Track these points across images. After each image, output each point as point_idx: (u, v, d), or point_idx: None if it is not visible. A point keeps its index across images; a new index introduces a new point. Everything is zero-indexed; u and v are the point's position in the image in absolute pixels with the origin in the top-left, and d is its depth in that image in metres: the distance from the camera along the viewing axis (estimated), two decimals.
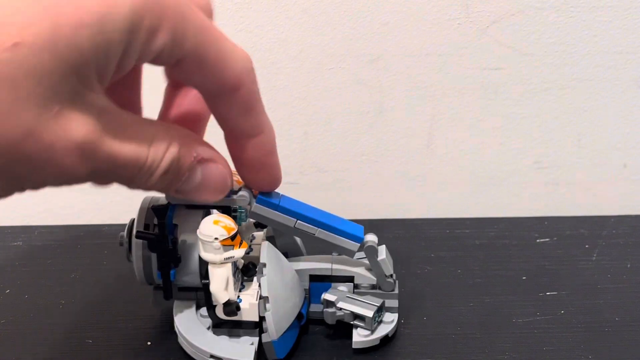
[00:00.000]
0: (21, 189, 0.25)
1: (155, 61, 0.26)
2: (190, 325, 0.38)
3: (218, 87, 0.29)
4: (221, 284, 0.35)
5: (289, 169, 0.55)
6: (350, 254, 0.38)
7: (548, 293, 0.45)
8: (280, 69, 0.51)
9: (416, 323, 0.42)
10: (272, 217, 0.36)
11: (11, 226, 0.51)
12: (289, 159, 0.55)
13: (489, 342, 0.40)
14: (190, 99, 0.34)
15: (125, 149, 0.26)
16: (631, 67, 0.52)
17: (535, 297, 0.44)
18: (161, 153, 0.27)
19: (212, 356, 0.36)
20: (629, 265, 0.47)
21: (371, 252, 0.38)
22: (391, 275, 0.39)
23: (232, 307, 0.36)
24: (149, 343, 0.39)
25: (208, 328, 0.38)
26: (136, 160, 0.26)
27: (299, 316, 0.38)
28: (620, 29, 0.51)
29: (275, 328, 0.36)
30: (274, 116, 0.53)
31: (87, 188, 0.56)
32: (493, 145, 0.55)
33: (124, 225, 0.39)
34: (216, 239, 0.34)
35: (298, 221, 0.37)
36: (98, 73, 0.24)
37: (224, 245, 0.35)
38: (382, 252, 0.39)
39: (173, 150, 0.28)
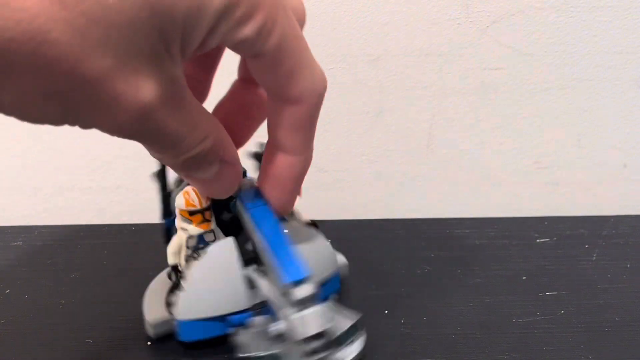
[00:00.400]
0: (73, 122, 0.25)
1: (236, 48, 0.27)
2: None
3: (281, 96, 0.30)
4: (172, 248, 0.38)
5: None
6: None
7: (548, 293, 0.45)
8: None
9: (416, 323, 0.42)
10: (243, 219, 0.35)
11: (11, 226, 0.51)
12: None
13: (489, 342, 0.40)
14: (254, 99, 0.35)
15: (174, 123, 0.26)
16: (631, 67, 0.52)
17: (535, 297, 0.44)
18: (197, 141, 0.28)
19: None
20: (629, 265, 0.47)
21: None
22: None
23: (172, 271, 0.38)
24: (149, 343, 0.39)
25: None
26: (176, 137, 0.27)
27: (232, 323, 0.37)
28: (620, 29, 0.51)
29: (182, 307, 0.36)
30: None
31: (87, 188, 0.57)
32: (493, 145, 0.55)
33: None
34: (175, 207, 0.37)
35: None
36: (183, 41, 0.24)
37: (182, 216, 0.37)
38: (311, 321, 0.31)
39: (207, 143, 0.28)
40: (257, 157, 0.39)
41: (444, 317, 0.42)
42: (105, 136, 0.49)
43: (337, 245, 0.42)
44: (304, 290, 0.31)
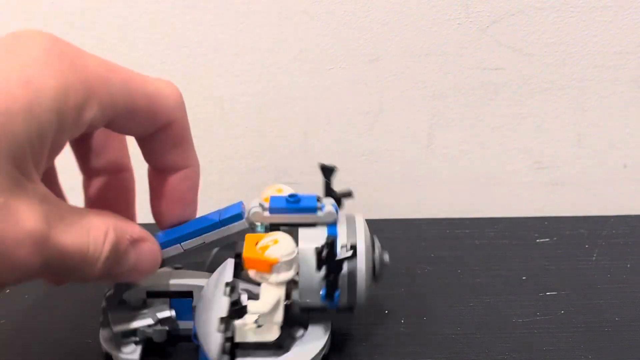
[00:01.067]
0: None
1: (89, 129, 0.27)
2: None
3: (151, 128, 0.30)
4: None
5: (289, 169, 0.55)
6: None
7: (548, 293, 0.45)
8: (280, 68, 0.51)
9: (416, 323, 0.42)
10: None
11: None
12: (288, 159, 0.55)
13: (489, 342, 0.40)
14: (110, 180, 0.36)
15: (70, 237, 0.26)
16: (631, 67, 0.52)
17: (535, 297, 0.44)
18: (101, 240, 0.28)
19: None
20: (629, 265, 0.47)
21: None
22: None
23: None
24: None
25: None
26: (79, 248, 0.26)
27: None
28: (620, 29, 0.51)
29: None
30: (274, 116, 0.53)
31: None
32: (493, 145, 0.55)
33: None
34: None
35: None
36: (34, 158, 0.24)
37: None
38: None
39: (111, 236, 0.28)
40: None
41: (444, 317, 0.42)
42: None
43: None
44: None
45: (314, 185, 0.56)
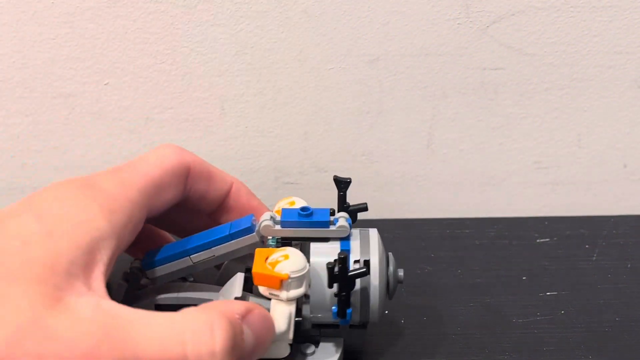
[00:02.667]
0: None
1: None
2: None
3: (182, 187, 0.35)
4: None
5: (289, 169, 0.55)
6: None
7: (548, 293, 0.45)
8: (280, 69, 0.51)
9: (416, 323, 0.42)
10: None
11: None
12: (288, 159, 0.55)
13: (489, 342, 0.40)
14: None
15: (152, 346, 0.24)
16: (631, 67, 0.52)
17: (535, 297, 0.44)
18: (207, 335, 0.25)
19: None
20: (629, 265, 0.47)
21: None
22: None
23: None
24: None
25: None
26: (180, 352, 0.24)
27: None
28: (620, 29, 0.51)
29: None
30: (274, 116, 0.53)
31: None
32: (493, 145, 0.55)
33: None
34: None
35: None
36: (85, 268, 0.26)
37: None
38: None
39: (222, 325, 0.26)
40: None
41: (444, 317, 0.42)
42: (105, 136, 0.50)
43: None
44: (131, 264, 0.36)
45: (313, 185, 0.56)
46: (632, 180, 0.56)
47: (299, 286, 0.33)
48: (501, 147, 0.55)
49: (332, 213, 0.36)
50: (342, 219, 0.36)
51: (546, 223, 0.53)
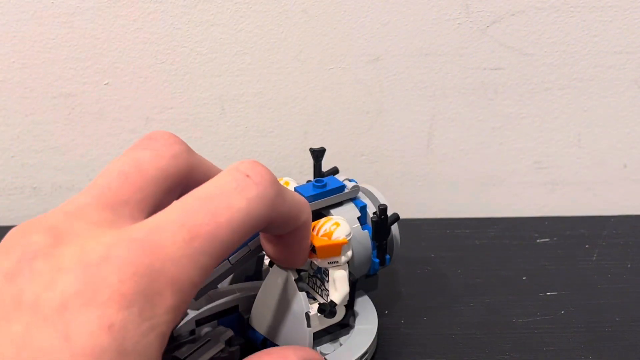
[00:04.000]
0: None
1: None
2: None
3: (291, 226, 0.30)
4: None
5: (289, 169, 0.55)
6: None
7: (548, 293, 0.45)
8: (280, 69, 0.51)
9: (416, 323, 0.42)
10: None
11: (11, 226, 0.51)
12: (289, 159, 0.55)
13: (489, 342, 0.40)
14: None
15: None
16: (631, 67, 0.52)
17: (535, 297, 0.44)
18: None
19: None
20: (629, 265, 0.47)
21: None
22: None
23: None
24: None
25: None
26: None
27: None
28: (620, 29, 0.51)
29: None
30: (274, 116, 0.53)
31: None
32: (493, 145, 0.55)
33: None
34: None
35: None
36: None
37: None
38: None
39: None
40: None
41: (444, 317, 0.42)
42: (105, 136, 0.50)
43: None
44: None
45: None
46: (632, 180, 0.56)
47: (349, 248, 0.35)
48: (501, 147, 0.55)
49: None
50: (347, 181, 0.38)
51: (546, 223, 0.53)
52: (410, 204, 0.57)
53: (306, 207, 0.31)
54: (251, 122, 0.53)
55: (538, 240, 0.51)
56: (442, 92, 0.53)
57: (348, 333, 0.38)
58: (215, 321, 0.36)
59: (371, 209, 0.39)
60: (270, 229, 0.29)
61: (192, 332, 0.35)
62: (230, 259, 0.34)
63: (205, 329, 0.35)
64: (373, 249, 0.39)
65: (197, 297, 0.34)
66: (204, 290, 0.34)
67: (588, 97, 0.53)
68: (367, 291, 0.40)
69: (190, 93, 0.52)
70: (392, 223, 0.38)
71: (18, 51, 0.50)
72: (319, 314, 0.35)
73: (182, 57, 0.50)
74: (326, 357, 0.36)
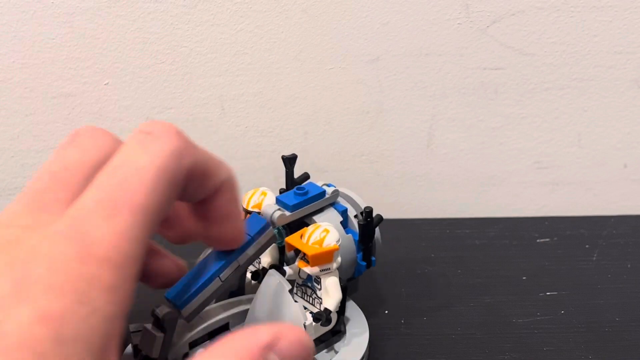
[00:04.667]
0: None
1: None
2: None
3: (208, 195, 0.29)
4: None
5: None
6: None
7: (548, 293, 0.45)
8: (280, 69, 0.51)
9: (416, 323, 0.42)
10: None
11: None
12: None
13: (489, 342, 0.40)
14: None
15: None
16: (631, 67, 0.52)
17: (535, 297, 0.44)
18: None
19: None
20: (629, 265, 0.47)
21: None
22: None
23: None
24: None
25: None
26: None
27: None
28: (620, 29, 0.51)
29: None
30: (274, 116, 0.53)
31: None
32: (493, 145, 0.55)
33: None
34: None
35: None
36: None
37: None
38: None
39: None
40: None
41: (444, 317, 0.42)
42: None
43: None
44: (161, 311, 0.31)
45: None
46: (632, 180, 0.56)
47: (339, 253, 0.35)
48: (501, 147, 0.55)
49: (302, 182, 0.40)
50: (325, 186, 0.39)
51: (546, 223, 0.53)
52: (410, 204, 0.57)
53: (225, 165, 0.30)
54: (251, 122, 0.53)
55: (538, 240, 0.51)
56: (442, 92, 0.52)
57: (341, 339, 0.38)
58: (208, 341, 0.36)
59: (351, 213, 0.39)
60: (192, 189, 0.28)
61: (186, 355, 0.35)
62: (220, 276, 0.33)
63: (199, 350, 0.35)
64: (358, 252, 0.38)
65: (189, 319, 0.33)
66: (197, 310, 0.33)
67: (588, 97, 0.53)
68: (349, 294, 0.40)
69: (190, 93, 0.52)
70: (377, 224, 0.38)
71: (18, 51, 0.50)
72: (314, 323, 0.35)
73: (182, 57, 0.50)
74: None
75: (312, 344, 0.28)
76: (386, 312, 0.42)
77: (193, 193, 0.29)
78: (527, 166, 0.56)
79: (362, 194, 0.57)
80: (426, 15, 0.50)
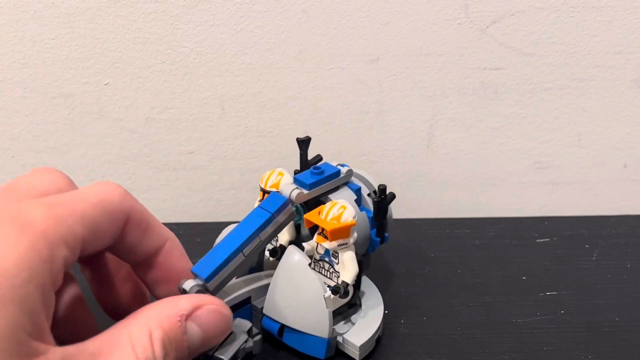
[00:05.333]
0: None
1: (67, 268, 0.28)
2: None
3: (117, 230, 0.31)
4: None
5: (290, 169, 0.55)
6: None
7: (548, 293, 0.45)
8: (280, 69, 0.51)
9: (416, 323, 0.42)
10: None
11: None
12: (289, 159, 0.55)
13: (489, 342, 0.40)
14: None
15: None
16: (631, 67, 0.52)
17: (535, 297, 0.44)
18: (148, 343, 0.27)
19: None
20: (629, 265, 0.47)
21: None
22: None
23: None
24: None
25: None
26: None
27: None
28: (620, 29, 0.51)
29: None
30: (274, 116, 0.53)
31: None
32: (493, 145, 0.55)
33: None
34: None
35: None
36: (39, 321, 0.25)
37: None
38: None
39: (157, 332, 0.27)
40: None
41: (444, 317, 0.42)
42: (105, 136, 0.50)
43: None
44: (188, 284, 0.33)
45: None
46: (632, 180, 0.56)
47: (355, 229, 0.37)
48: (501, 147, 0.55)
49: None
50: (339, 166, 0.40)
51: (546, 223, 0.53)
52: (410, 204, 0.57)
53: (169, 232, 0.33)
54: (251, 122, 0.53)
55: (538, 240, 0.51)
56: (442, 92, 0.53)
57: (356, 312, 0.40)
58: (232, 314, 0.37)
59: (364, 191, 0.41)
60: (132, 238, 0.31)
61: None
62: (243, 251, 0.35)
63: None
64: (371, 229, 0.40)
65: (214, 293, 0.35)
66: (222, 284, 0.35)
67: (588, 97, 0.53)
68: (363, 270, 0.41)
69: (190, 93, 0.52)
70: (390, 201, 0.40)
71: (18, 51, 0.50)
72: (332, 296, 0.36)
73: (182, 57, 0.50)
74: (344, 335, 0.38)
75: (230, 314, 0.31)
76: (386, 312, 0.42)
77: (134, 244, 0.31)
78: (527, 166, 0.56)
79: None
80: (426, 15, 0.50)
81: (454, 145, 0.55)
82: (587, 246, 0.50)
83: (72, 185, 0.31)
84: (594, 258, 0.48)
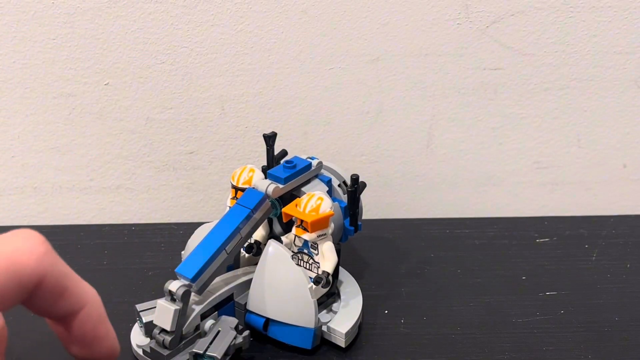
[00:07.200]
0: None
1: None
2: None
3: (26, 294, 0.29)
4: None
5: None
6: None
7: (548, 293, 0.45)
8: (280, 69, 0.51)
9: (416, 323, 0.42)
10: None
11: (11, 226, 0.51)
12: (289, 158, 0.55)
13: (489, 342, 0.40)
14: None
15: None
16: (631, 67, 0.52)
17: (535, 297, 0.44)
18: None
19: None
20: (628, 265, 0.47)
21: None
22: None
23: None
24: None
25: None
26: None
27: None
28: (620, 29, 0.51)
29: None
30: (274, 116, 0.53)
31: (87, 188, 0.57)
32: (493, 145, 0.55)
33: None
34: None
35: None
36: None
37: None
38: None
39: None
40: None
41: (444, 317, 0.42)
42: (105, 136, 0.50)
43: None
44: (174, 285, 0.34)
45: None
46: (632, 180, 0.57)
47: (332, 220, 0.38)
48: (501, 147, 0.55)
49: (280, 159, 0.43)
50: (309, 159, 0.41)
51: (546, 223, 0.53)
52: (410, 204, 0.57)
53: (88, 287, 0.31)
54: (251, 122, 0.53)
55: (538, 240, 0.51)
56: (442, 92, 0.53)
57: (336, 301, 0.41)
58: (215, 312, 0.38)
59: (334, 182, 0.42)
60: (43, 298, 0.29)
61: (197, 328, 0.37)
62: (226, 248, 0.36)
63: (209, 321, 0.37)
64: (344, 218, 0.41)
65: (200, 292, 0.36)
66: (207, 283, 0.36)
67: (588, 97, 0.53)
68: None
69: (190, 93, 0.52)
70: (362, 191, 0.41)
71: (19, 51, 0.50)
72: (314, 286, 0.37)
73: (182, 57, 0.50)
74: (328, 324, 0.39)
75: (4, 326, 0.29)
76: (386, 312, 0.43)
77: (46, 306, 0.30)
78: (526, 166, 0.56)
79: (362, 194, 0.57)
80: (426, 16, 0.50)
81: (454, 145, 0.55)
82: (586, 246, 0.50)
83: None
84: (593, 258, 0.48)
